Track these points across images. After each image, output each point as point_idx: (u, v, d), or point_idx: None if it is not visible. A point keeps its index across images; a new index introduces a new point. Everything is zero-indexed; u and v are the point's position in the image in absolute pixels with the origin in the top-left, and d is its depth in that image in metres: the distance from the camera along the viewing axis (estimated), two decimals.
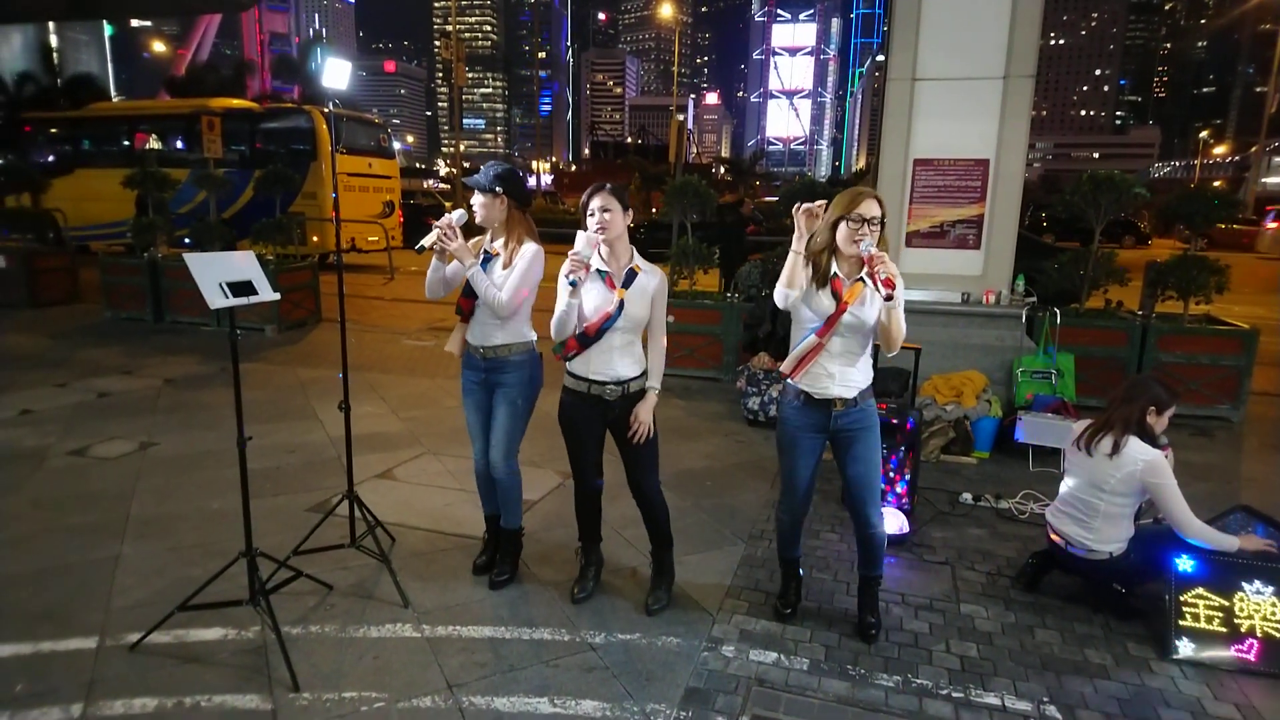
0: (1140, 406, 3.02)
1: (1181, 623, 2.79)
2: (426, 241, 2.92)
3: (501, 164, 3.11)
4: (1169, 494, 2.91)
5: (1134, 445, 2.98)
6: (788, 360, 2.80)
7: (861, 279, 2.63)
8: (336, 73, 3.04)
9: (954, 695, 2.60)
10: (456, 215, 2.96)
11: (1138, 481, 2.95)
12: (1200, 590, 2.79)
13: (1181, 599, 2.80)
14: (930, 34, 5.46)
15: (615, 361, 2.88)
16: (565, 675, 2.67)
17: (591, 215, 2.80)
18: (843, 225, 2.62)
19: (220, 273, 2.61)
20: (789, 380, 2.82)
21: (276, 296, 2.79)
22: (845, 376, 2.74)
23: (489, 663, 2.73)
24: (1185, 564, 2.80)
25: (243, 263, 2.70)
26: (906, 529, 3.72)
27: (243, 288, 2.64)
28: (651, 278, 2.90)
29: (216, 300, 2.57)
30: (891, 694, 2.61)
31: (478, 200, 3.01)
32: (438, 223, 2.88)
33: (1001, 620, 3.08)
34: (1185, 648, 2.78)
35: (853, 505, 2.89)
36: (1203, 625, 2.78)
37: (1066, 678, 2.71)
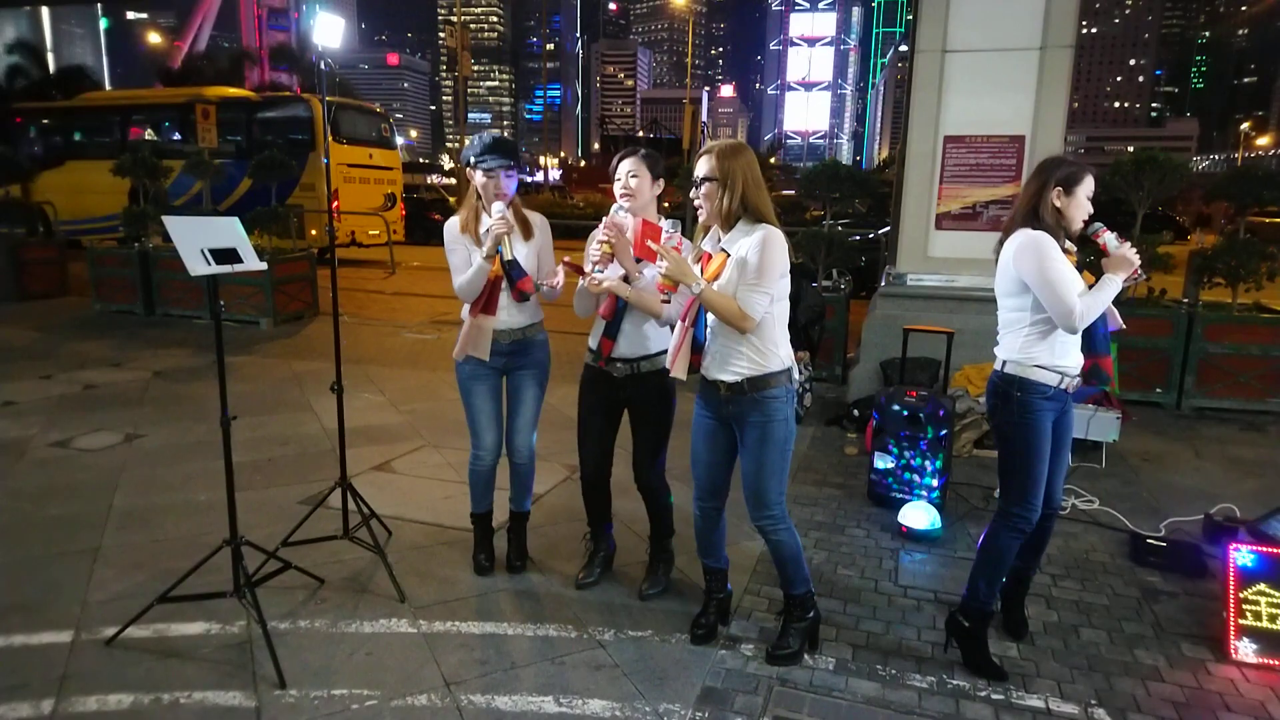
0: (1039, 183, 2.41)
1: (1242, 622, 2.59)
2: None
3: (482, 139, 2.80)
4: (1042, 279, 2.33)
5: (1015, 235, 2.43)
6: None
7: (724, 249, 2.31)
8: (329, 29, 2.85)
9: (994, 698, 2.41)
10: (497, 209, 2.68)
11: (1012, 271, 2.42)
12: (1262, 587, 2.57)
13: (1241, 596, 2.60)
14: (961, 1, 5.15)
15: (619, 338, 2.70)
16: (572, 673, 2.49)
17: (618, 181, 2.60)
18: None
19: (202, 238, 2.42)
20: None
21: (262, 266, 2.61)
22: (724, 359, 2.40)
23: (490, 660, 2.55)
24: (1245, 558, 2.59)
25: (226, 229, 2.50)
26: (939, 524, 3.53)
27: (227, 255, 2.44)
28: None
29: (198, 267, 2.37)
30: (925, 696, 2.41)
31: (505, 172, 2.73)
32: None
33: (1043, 619, 2.87)
34: (1246, 649, 2.58)
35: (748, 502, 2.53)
36: (1265, 625, 2.57)
37: (1116, 679, 2.51)
